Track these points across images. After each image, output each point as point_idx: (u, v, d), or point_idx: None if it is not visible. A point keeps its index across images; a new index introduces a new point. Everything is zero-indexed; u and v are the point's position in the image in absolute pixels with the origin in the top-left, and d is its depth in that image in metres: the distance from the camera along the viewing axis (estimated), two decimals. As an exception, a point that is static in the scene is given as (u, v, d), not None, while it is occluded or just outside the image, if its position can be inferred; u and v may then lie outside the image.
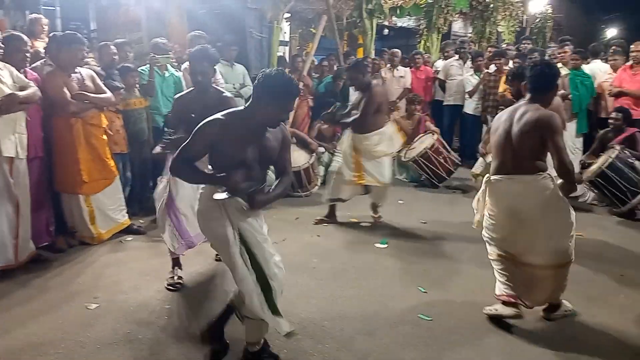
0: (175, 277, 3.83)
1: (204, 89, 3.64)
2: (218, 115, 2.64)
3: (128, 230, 4.90)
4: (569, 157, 3.14)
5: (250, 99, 2.65)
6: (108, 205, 4.72)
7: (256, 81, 2.60)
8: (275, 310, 2.62)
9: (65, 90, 4.31)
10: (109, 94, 4.64)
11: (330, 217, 5.37)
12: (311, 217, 5.48)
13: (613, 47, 7.21)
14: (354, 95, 7.79)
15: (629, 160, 5.58)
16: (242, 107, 2.74)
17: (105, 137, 4.68)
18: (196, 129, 2.64)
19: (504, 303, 3.30)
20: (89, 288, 3.78)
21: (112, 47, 5.37)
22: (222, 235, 2.61)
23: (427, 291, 3.75)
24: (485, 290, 3.79)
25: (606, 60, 7.40)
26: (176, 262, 3.89)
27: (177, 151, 2.69)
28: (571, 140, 6.41)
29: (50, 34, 4.92)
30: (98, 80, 4.62)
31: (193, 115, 3.39)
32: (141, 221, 5.24)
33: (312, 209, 5.74)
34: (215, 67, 3.83)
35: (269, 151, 2.73)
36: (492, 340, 3.11)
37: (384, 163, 5.10)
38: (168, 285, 3.77)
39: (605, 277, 4.03)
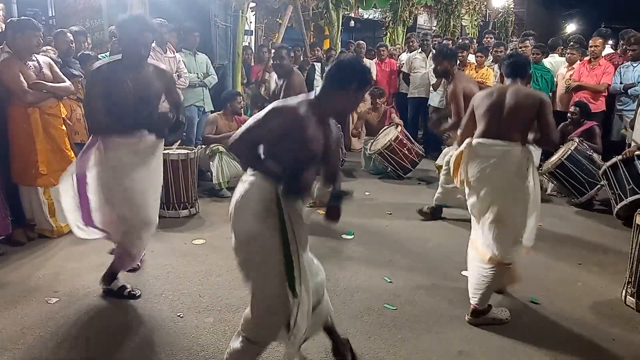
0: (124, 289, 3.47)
1: (140, 63, 3.22)
2: (291, 103, 2.34)
3: (89, 223, 4.78)
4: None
5: (321, 88, 2.40)
6: (68, 197, 4.60)
7: (329, 68, 2.41)
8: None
9: (22, 78, 4.16)
10: (67, 82, 4.50)
11: None
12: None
13: (571, 42, 7.41)
14: (319, 87, 7.81)
15: (587, 152, 5.76)
16: (309, 96, 2.41)
17: (64, 127, 4.55)
18: (266, 112, 2.30)
19: None
20: (49, 282, 3.68)
21: (69, 34, 5.22)
22: (273, 245, 2.24)
23: (392, 281, 3.79)
24: (448, 279, 3.86)
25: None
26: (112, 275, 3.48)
27: (240, 132, 2.34)
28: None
29: (8, 20, 4.75)
30: (56, 68, 4.48)
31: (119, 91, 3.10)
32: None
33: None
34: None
35: (331, 150, 2.47)
36: (455, 328, 3.17)
37: None
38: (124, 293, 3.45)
39: (563, 266, 4.15)
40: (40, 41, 4.36)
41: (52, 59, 4.62)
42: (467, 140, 3.39)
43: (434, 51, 7.47)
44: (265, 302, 2.34)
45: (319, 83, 7.71)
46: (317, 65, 7.87)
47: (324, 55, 8.92)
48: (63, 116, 4.56)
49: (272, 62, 5.07)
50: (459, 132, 3.66)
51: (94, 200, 3.32)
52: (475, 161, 3.29)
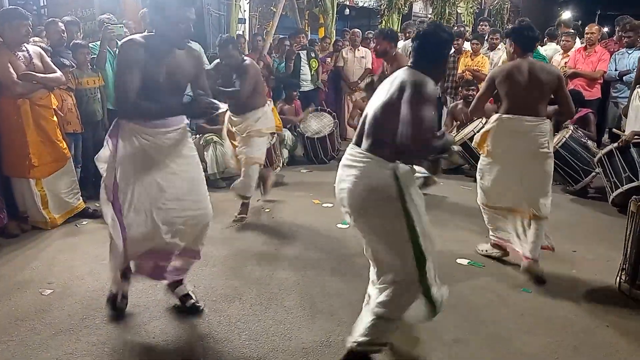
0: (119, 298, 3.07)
1: (179, 43, 2.81)
2: (420, 80, 2.34)
3: (83, 214, 4.77)
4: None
5: (415, 62, 2.44)
6: (61, 189, 4.58)
7: (417, 41, 2.45)
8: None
9: (11, 69, 4.11)
10: (58, 73, 4.45)
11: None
12: (273, 200, 5.46)
13: (566, 29, 7.38)
14: (305, 75, 7.76)
15: (582, 140, 5.75)
16: (418, 73, 2.38)
17: (55, 118, 4.51)
18: (418, 101, 2.27)
19: (493, 245, 3.96)
20: (43, 274, 3.67)
21: (60, 23, 5.16)
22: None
23: (388, 270, 3.78)
24: (444, 267, 3.85)
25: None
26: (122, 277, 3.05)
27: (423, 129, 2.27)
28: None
29: (-2, 10, 4.69)
30: (47, 59, 4.42)
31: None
32: (97, 204, 5.09)
33: (274, 191, 5.71)
34: None
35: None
36: (450, 317, 3.17)
37: (256, 143, 4.74)
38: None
39: (558, 253, 4.15)
40: (29, 30, 4.30)
41: (43, 49, 4.56)
42: (496, 116, 3.70)
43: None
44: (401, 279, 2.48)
45: (306, 71, 7.72)
46: (303, 53, 7.79)
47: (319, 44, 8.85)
48: (54, 107, 4.51)
49: (223, 54, 4.63)
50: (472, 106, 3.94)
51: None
52: (504, 135, 3.63)
